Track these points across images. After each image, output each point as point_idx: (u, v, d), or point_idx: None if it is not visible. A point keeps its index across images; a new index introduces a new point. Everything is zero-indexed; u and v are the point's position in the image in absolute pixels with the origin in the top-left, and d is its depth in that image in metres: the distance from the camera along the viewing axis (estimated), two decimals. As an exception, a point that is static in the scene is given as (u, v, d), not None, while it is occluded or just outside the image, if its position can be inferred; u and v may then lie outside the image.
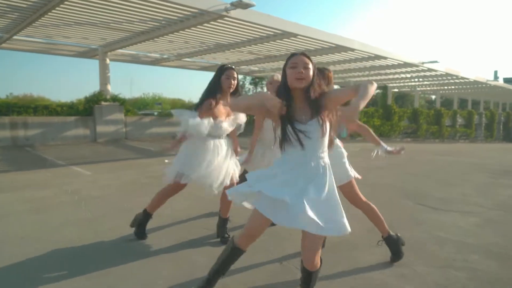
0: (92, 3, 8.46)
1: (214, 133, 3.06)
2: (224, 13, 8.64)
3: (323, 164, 1.89)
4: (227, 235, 3.25)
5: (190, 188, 3.30)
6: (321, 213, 1.78)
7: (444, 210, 4.34)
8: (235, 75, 3.01)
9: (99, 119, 12.53)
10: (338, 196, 1.90)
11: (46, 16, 9.00)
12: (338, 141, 2.81)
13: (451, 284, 2.49)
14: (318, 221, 1.76)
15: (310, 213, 1.74)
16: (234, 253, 2.08)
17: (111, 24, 10.24)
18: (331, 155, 2.04)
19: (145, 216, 3.27)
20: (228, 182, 3.09)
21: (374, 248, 3.01)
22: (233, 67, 3.05)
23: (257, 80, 38.93)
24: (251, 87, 48.51)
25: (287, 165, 1.89)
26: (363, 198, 2.81)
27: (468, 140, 27.93)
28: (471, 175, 6.83)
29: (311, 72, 1.88)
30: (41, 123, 11.48)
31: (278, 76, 3.40)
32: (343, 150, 2.82)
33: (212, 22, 9.69)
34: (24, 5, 8.31)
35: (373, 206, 2.82)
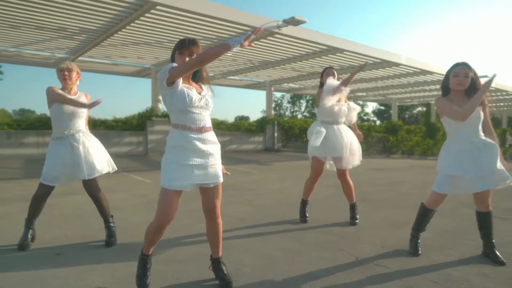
0: (149, 24, 9.12)
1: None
2: (276, 30, 8.98)
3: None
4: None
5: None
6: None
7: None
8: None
9: (150, 133, 13.23)
10: None
11: (110, 38, 9.79)
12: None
13: None
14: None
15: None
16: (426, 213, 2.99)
17: (165, 43, 10.92)
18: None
19: (302, 204, 4.20)
20: None
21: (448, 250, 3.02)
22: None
23: (295, 99, 39.28)
24: (289, 105, 48.74)
25: None
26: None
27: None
28: None
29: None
30: (101, 134, 12.30)
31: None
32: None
33: (262, 40, 10.06)
34: (94, 27, 9.12)
35: None
